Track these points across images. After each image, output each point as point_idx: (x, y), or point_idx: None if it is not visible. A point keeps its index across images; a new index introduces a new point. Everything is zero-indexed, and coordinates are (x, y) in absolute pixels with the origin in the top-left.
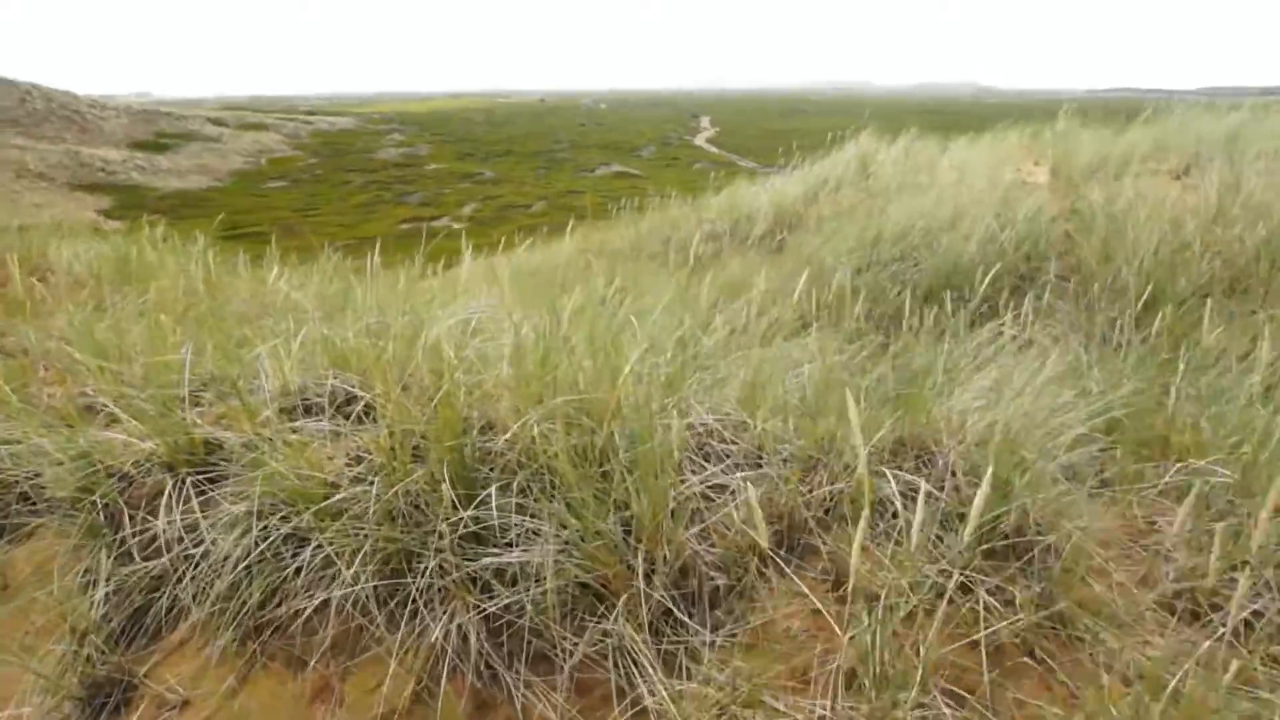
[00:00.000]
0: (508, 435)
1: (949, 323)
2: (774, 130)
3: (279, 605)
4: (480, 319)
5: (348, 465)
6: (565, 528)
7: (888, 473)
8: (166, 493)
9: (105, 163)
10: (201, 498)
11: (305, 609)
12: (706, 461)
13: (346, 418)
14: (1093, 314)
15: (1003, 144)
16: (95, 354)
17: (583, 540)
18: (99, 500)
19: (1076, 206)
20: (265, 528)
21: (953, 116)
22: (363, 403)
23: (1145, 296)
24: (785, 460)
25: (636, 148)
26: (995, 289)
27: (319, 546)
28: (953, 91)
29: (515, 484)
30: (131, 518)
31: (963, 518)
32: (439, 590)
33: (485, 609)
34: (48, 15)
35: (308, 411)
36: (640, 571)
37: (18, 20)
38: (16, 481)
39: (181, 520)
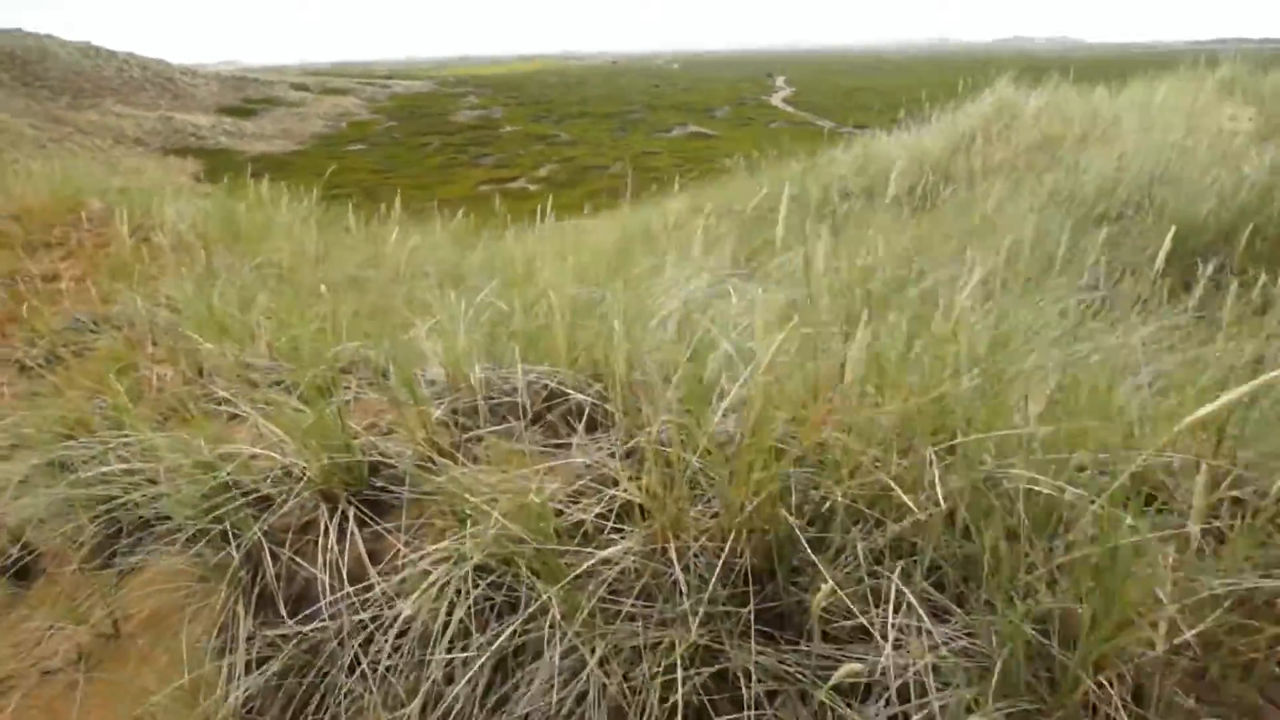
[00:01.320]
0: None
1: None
2: (851, 89)
3: None
4: (696, 292)
5: (576, 497)
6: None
7: None
8: (321, 526)
9: (196, 128)
10: (368, 534)
11: None
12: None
13: (549, 425)
14: None
15: (1187, 89)
16: (210, 329)
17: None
18: (230, 529)
19: None
20: (463, 588)
21: (1054, 71)
22: (578, 405)
23: None
24: None
25: (711, 108)
26: (1252, 253)
27: (560, 633)
28: (1040, 46)
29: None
30: (274, 556)
31: None
32: None
33: None
34: None
35: (493, 414)
36: None
37: None
38: (127, 494)
39: (344, 565)
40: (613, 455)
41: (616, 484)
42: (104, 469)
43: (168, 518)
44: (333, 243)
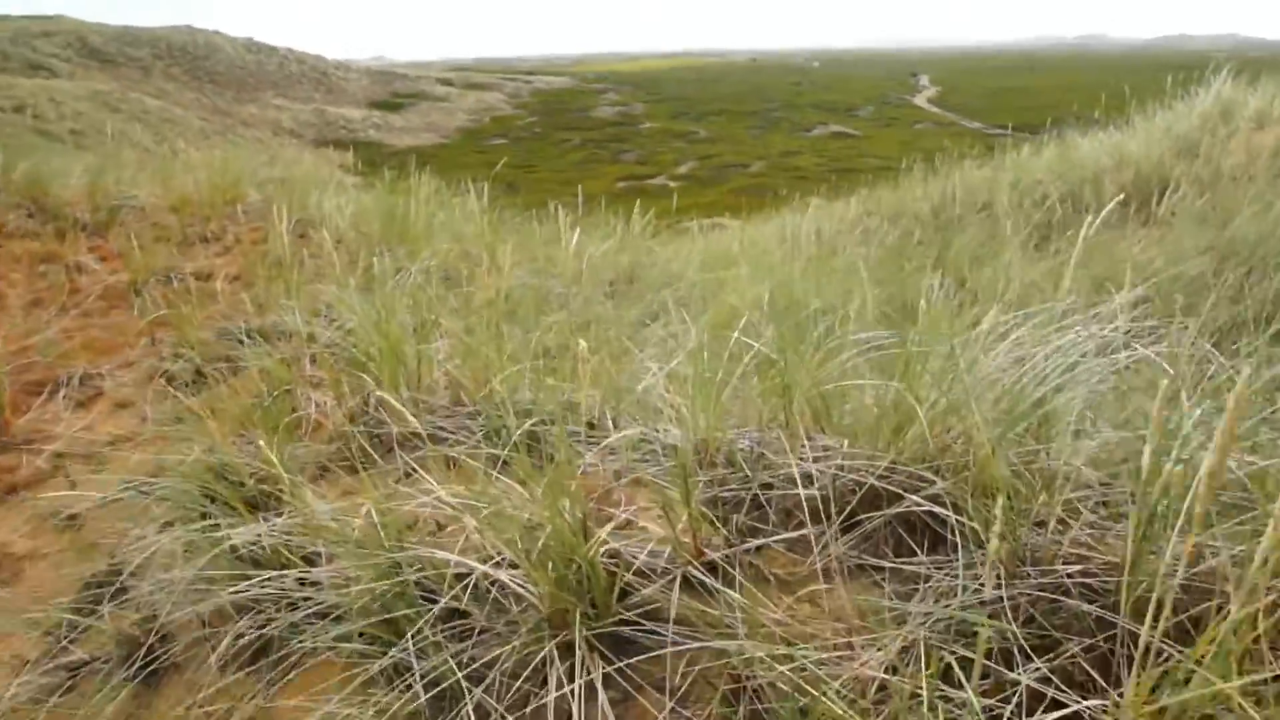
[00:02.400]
0: None
1: None
2: (1000, 89)
3: None
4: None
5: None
6: None
7: None
8: (551, 678)
9: (347, 121)
10: (614, 693)
11: None
12: None
13: (869, 537)
14: None
15: None
16: (380, 351)
17: None
18: (412, 641)
19: None
20: None
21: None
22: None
23: None
24: None
25: (853, 107)
26: None
27: None
28: (1208, 44)
29: None
30: (479, 708)
31: None
32: None
33: None
34: None
35: (774, 508)
36: None
37: None
38: (279, 586)
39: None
40: (982, 603)
41: (1012, 664)
42: (252, 543)
43: (333, 608)
44: (499, 242)
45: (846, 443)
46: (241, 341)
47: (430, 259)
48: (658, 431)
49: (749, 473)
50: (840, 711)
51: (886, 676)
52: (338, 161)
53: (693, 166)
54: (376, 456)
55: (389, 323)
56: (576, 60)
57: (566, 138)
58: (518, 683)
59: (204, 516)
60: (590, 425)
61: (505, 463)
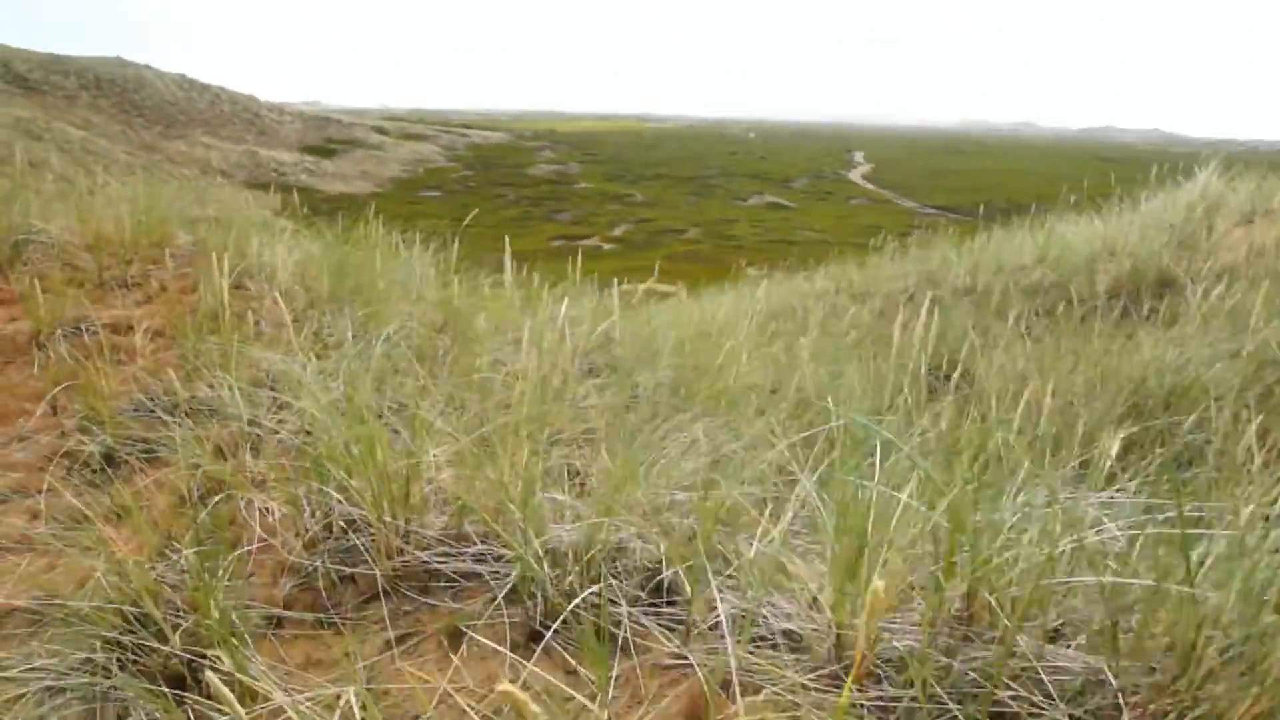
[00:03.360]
0: None
1: None
2: (934, 169)
3: None
4: None
5: None
6: None
7: None
8: None
9: (279, 164)
10: None
11: None
12: None
13: None
14: None
15: None
16: (349, 454)
17: None
18: None
19: None
20: None
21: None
22: None
23: None
24: None
25: (788, 179)
26: None
27: None
28: (1133, 138)
29: None
30: None
31: None
32: None
33: None
34: (228, 21)
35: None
36: None
37: (202, 24)
38: None
39: None
40: None
41: None
42: None
43: None
44: (474, 309)
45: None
46: (164, 419)
47: (396, 325)
48: (764, 607)
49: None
50: None
51: None
52: (268, 205)
53: (627, 229)
54: (349, 605)
55: (359, 411)
56: (514, 117)
57: (500, 193)
58: None
59: (104, 697)
60: (654, 584)
61: (537, 631)
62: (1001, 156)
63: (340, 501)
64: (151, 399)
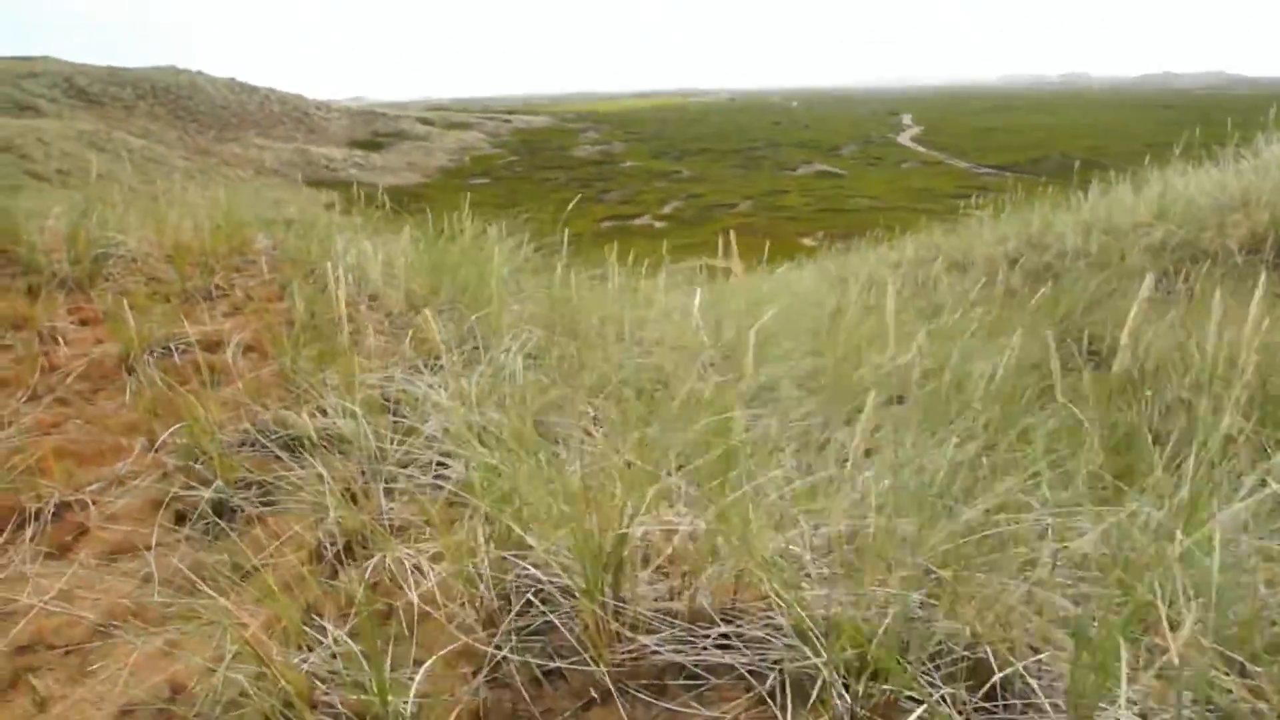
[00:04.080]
0: None
1: None
2: (985, 128)
3: None
4: None
5: None
6: None
7: None
8: None
9: (329, 160)
10: None
11: None
12: None
13: None
14: None
15: None
16: (525, 509)
17: None
18: None
19: None
20: None
21: (1243, 110)
22: None
23: None
24: None
25: (836, 146)
26: None
27: None
28: (1194, 82)
29: None
30: None
31: None
32: None
33: None
34: (273, 24)
35: None
36: None
37: (249, 28)
38: None
39: None
40: None
41: None
42: None
43: None
44: (561, 299)
45: None
46: (277, 454)
47: (511, 331)
48: None
49: None
50: None
51: None
52: (322, 201)
53: (677, 206)
54: (564, 715)
55: (526, 440)
56: (554, 100)
57: (548, 176)
58: None
59: None
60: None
61: None
62: (1054, 110)
63: (522, 563)
64: (261, 430)
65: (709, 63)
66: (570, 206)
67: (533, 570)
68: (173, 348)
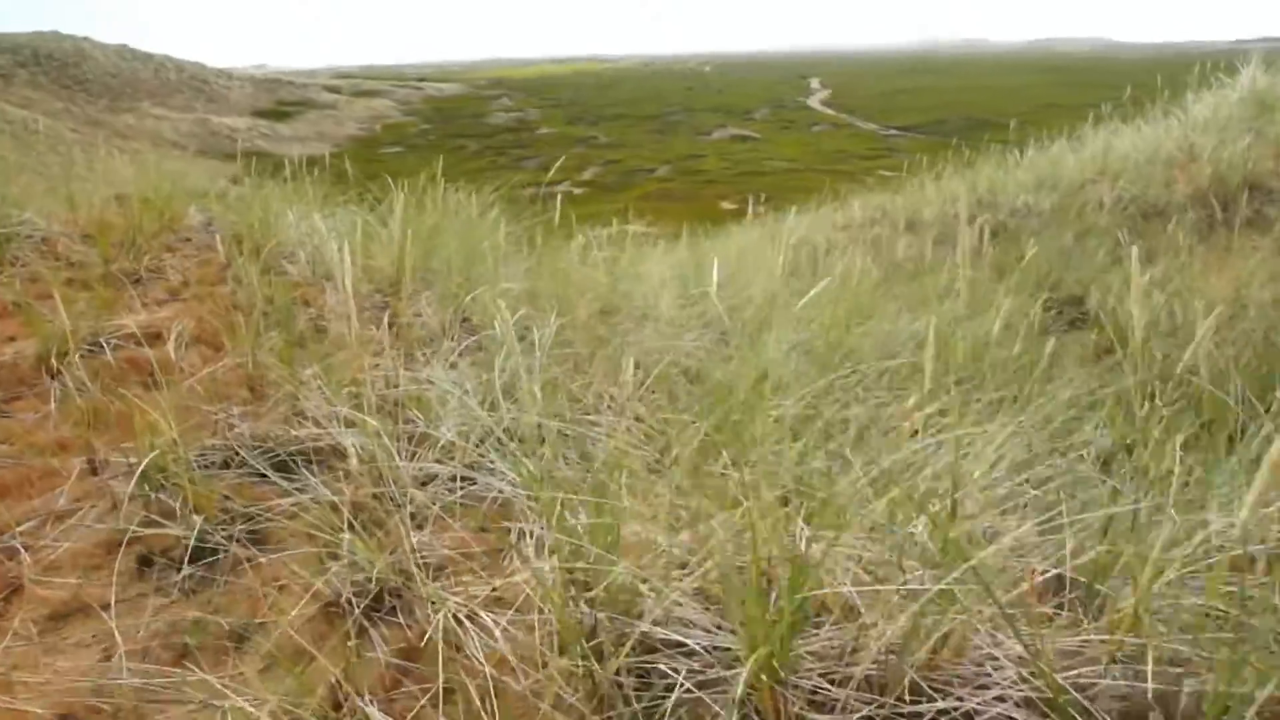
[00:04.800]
0: None
1: None
2: (890, 91)
3: None
4: None
5: None
6: None
7: None
8: None
9: (232, 130)
10: None
11: None
12: None
13: None
14: None
15: None
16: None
17: None
18: None
19: None
20: None
21: (1125, 74)
22: None
23: None
24: None
25: (749, 110)
26: None
27: None
28: (1078, 46)
29: None
30: None
31: None
32: None
33: None
34: None
35: None
36: None
37: None
38: None
39: None
40: None
41: None
42: None
43: None
44: (551, 273)
45: None
46: (260, 470)
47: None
48: None
49: None
50: None
51: None
52: (225, 173)
53: (597, 172)
54: None
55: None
56: (465, 67)
57: (463, 145)
58: None
59: None
60: None
61: None
62: (955, 74)
63: (629, 619)
64: (235, 445)
65: (621, 28)
66: (486, 173)
67: (645, 627)
68: (103, 343)
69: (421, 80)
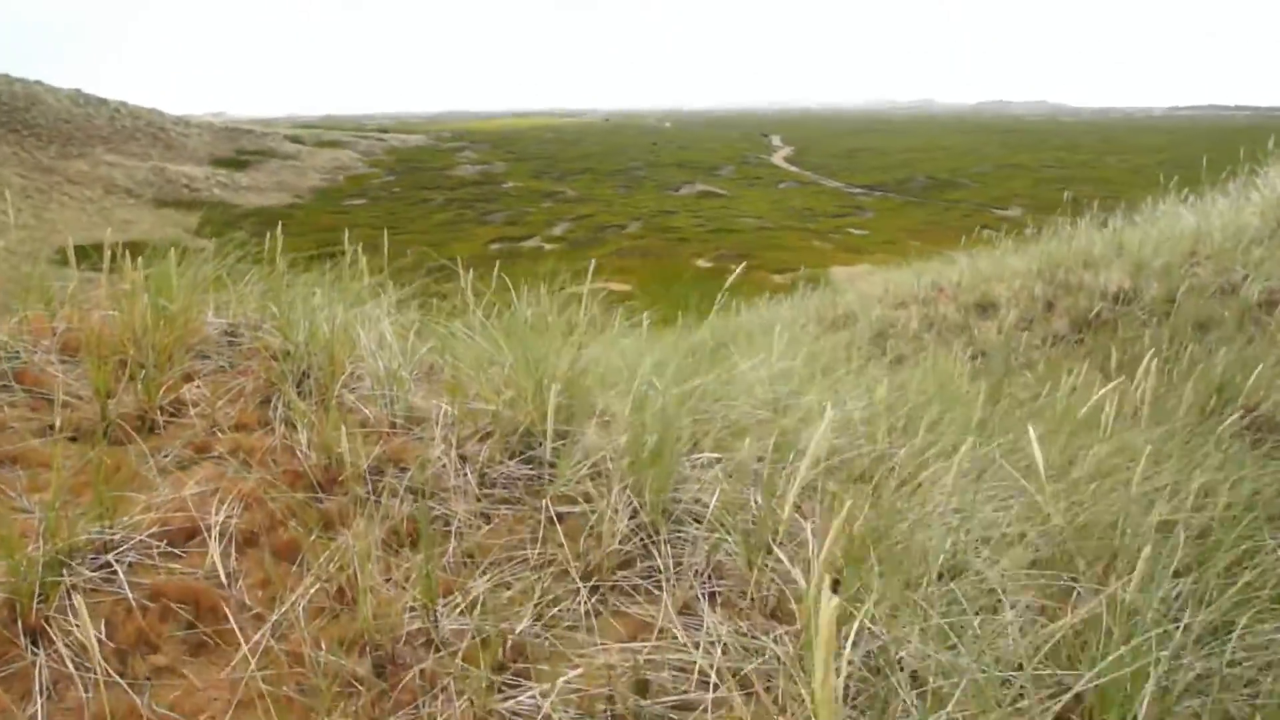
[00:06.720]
0: None
1: None
2: (849, 149)
3: None
4: None
5: None
6: None
7: None
8: None
9: (189, 179)
10: None
11: None
12: None
13: None
14: None
15: None
16: None
17: None
18: None
19: None
20: None
21: (1094, 145)
22: None
23: None
24: None
25: (714, 166)
26: None
27: None
28: (1023, 109)
29: None
30: None
31: None
32: None
33: None
34: (123, 35)
35: None
36: None
37: (96, 38)
38: None
39: None
40: None
41: None
42: None
43: None
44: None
45: None
46: None
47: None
48: None
49: None
50: None
51: None
52: (181, 224)
53: (567, 227)
54: None
55: None
56: (428, 119)
57: (428, 197)
58: None
59: None
60: None
61: None
62: (908, 134)
63: None
64: None
65: (581, 83)
66: (451, 227)
67: None
68: (112, 561)
69: (384, 131)
